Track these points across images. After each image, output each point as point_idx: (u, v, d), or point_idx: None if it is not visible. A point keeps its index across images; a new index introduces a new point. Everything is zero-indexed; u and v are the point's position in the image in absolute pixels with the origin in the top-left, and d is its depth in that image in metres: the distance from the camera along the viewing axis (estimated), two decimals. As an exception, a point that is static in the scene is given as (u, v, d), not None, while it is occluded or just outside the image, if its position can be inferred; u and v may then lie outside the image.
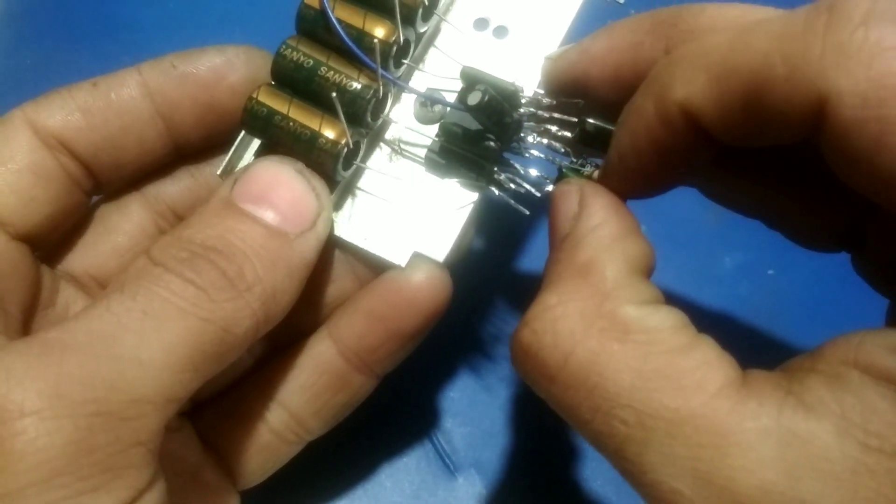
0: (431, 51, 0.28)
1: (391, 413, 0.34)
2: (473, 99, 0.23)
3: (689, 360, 0.19)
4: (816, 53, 0.17)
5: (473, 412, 0.35)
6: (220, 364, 0.22)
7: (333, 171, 0.25)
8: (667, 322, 0.20)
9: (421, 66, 0.28)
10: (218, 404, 0.28)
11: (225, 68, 0.27)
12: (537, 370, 0.21)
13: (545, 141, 0.26)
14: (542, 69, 0.27)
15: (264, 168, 0.25)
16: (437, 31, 0.28)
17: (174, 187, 0.28)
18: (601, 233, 0.22)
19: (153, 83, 0.27)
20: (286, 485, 0.32)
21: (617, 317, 0.20)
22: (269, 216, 0.24)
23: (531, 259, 0.36)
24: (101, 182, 0.27)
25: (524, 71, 0.27)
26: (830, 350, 0.19)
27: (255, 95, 0.25)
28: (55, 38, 0.45)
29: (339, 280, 0.28)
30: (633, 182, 0.23)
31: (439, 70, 0.27)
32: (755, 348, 0.36)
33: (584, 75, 0.25)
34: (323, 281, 0.28)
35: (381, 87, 0.25)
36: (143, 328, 0.20)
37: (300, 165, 0.25)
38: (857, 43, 0.17)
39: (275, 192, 0.24)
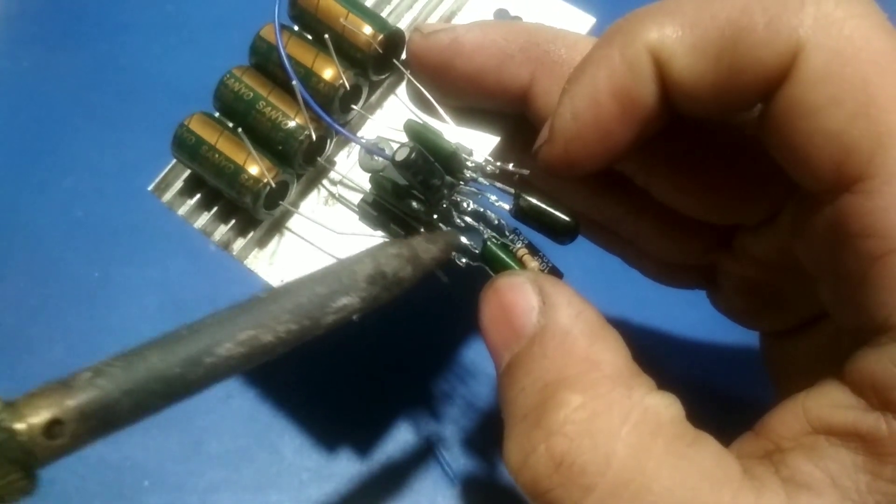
0: (391, 98, 0.27)
1: (391, 422, 0.34)
2: (400, 155, 0.22)
3: (708, 451, 0.18)
4: (796, 5, 0.18)
5: (473, 421, 0.34)
6: None
7: (254, 208, 0.24)
8: (681, 411, 0.19)
9: (377, 112, 0.27)
10: None
11: None
12: (573, 482, 0.18)
13: (480, 209, 0.24)
14: (408, 41, 0.25)
15: None
16: (399, 79, 0.27)
17: None
18: (587, 320, 0.20)
19: None
20: (285, 495, 0.33)
21: (648, 407, 0.19)
22: None
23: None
24: None
25: (477, 136, 0.26)
26: (780, 425, 0.19)
27: (186, 123, 0.24)
28: (53, 41, 0.46)
29: None
30: (583, 145, 0.21)
31: (396, 120, 0.26)
32: (744, 344, 0.34)
33: (447, 64, 0.24)
34: None
35: (314, 131, 0.24)
36: None
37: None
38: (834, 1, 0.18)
39: None
